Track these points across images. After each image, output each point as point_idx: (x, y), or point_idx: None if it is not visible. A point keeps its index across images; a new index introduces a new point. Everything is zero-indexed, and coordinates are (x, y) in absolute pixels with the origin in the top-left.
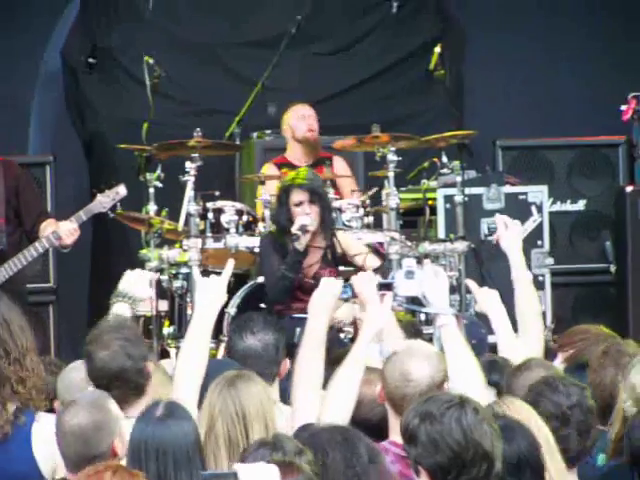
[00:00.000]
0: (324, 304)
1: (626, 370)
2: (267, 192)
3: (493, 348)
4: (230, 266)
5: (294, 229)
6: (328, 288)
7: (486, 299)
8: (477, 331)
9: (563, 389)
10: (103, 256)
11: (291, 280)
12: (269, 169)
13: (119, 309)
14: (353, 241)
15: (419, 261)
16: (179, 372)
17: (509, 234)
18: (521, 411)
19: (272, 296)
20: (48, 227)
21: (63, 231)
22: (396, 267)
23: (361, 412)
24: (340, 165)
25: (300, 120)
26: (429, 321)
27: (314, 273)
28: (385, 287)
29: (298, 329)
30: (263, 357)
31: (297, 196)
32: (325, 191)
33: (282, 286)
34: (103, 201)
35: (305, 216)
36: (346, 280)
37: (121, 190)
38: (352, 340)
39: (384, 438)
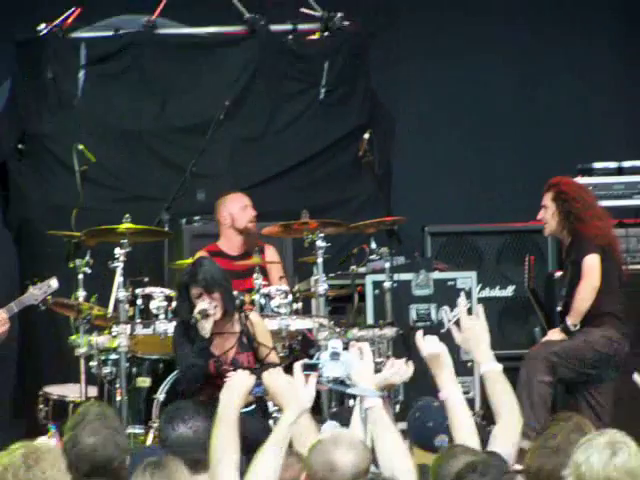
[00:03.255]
0: (236, 393)
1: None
2: None
3: None
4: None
5: (194, 313)
6: (240, 380)
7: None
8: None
9: (482, 470)
10: (31, 342)
11: (200, 367)
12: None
13: None
14: (265, 332)
15: (346, 347)
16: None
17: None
18: None
19: (184, 384)
20: None
21: None
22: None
23: None
24: (271, 253)
25: (243, 210)
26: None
27: (232, 359)
28: (310, 368)
29: None
30: (196, 444)
31: (195, 290)
32: (221, 276)
33: (192, 374)
34: (35, 294)
35: (203, 302)
36: (258, 378)
37: (53, 283)
38: None
39: None
